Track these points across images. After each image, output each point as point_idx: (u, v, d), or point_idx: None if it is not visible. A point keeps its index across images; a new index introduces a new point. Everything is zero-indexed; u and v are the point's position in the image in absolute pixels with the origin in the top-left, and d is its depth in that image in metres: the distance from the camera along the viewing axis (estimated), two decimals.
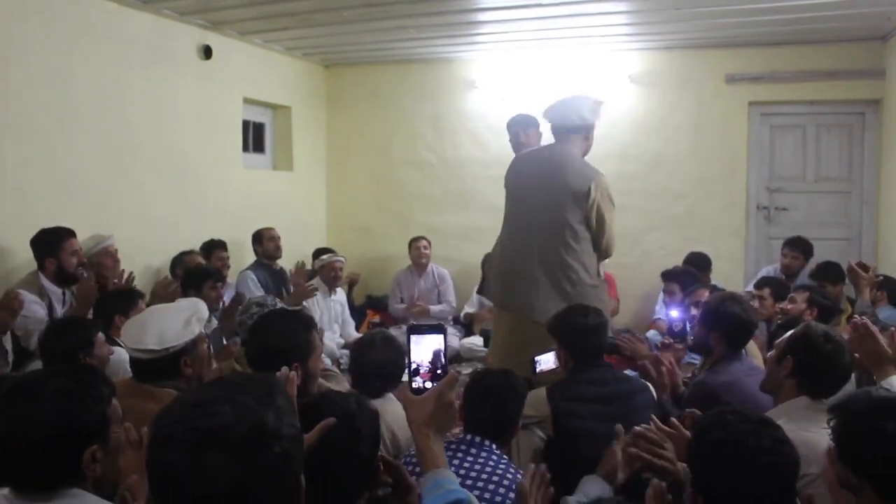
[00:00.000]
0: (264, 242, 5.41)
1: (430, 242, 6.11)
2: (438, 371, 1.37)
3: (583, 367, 2.70)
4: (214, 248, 5.06)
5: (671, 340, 3.71)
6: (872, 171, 5.77)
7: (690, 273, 4.97)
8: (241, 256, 5.59)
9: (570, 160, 3.37)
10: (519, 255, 3.39)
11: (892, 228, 5.37)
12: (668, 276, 5.04)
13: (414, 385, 1.37)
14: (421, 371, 1.38)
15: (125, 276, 3.91)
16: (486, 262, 3.75)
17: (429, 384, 1.37)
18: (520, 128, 4.40)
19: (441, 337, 1.39)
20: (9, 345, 3.40)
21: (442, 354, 1.38)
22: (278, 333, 2.29)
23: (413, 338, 1.39)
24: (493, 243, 3.70)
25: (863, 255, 5.64)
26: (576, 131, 3.41)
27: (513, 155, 3.98)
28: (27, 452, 1.48)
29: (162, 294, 3.79)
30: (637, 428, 1.62)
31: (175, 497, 0.94)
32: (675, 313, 3.85)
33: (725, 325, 2.79)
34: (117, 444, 1.68)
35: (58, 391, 1.54)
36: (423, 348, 1.38)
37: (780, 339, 2.43)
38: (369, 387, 2.58)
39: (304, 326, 2.34)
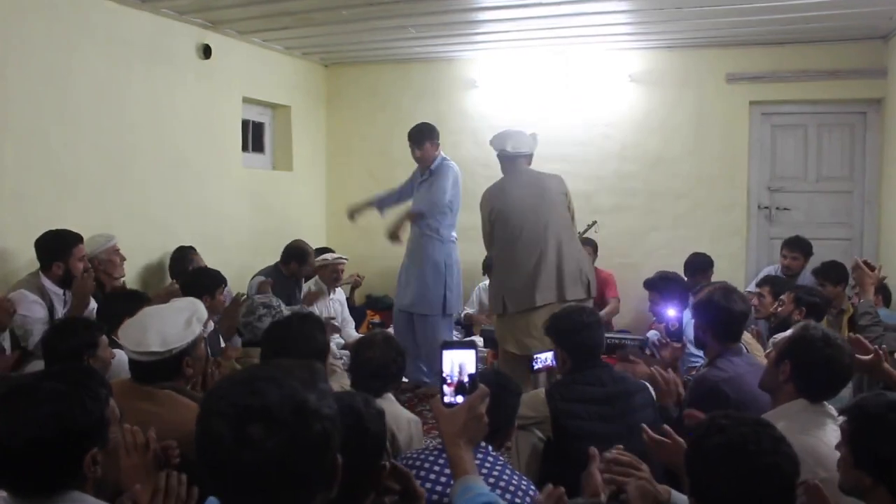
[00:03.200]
0: (308, 262, 5.18)
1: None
2: (465, 383, 1.43)
3: (581, 367, 2.70)
4: (188, 253, 4.78)
5: (667, 340, 3.69)
6: (874, 171, 5.75)
7: (671, 279, 4.83)
8: (241, 257, 5.57)
9: (540, 173, 4.24)
10: (535, 258, 4.02)
11: (894, 228, 5.35)
12: (647, 285, 4.94)
13: (445, 399, 1.44)
14: (447, 382, 1.44)
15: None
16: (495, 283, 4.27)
17: (459, 398, 1.43)
18: (435, 140, 4.95)
19: (472, 352, 1.45)
20: (7, 344, 3.40)
21: (470, 368, 1.44)
22: (301, 340, 2.40)
23: (445, 352, 1.45)
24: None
25: (864, 256, 5.60)
26: (523, 157, 4.21)
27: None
28: (24, 455, 1.47)
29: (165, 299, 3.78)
30: (608, 454, 1.64)
31: (221, 467, 1.02)
32: (671, 312, 3.83)
33: (711, 317, 2.76)
34: (116, 446, 1.68)
35: (54, 393, 1.53)
36: (454, 362, 1.44)
37: (779, 338, 2.41)
38: (369, 386, 2.57)
39: (320, 330, 2.48)
